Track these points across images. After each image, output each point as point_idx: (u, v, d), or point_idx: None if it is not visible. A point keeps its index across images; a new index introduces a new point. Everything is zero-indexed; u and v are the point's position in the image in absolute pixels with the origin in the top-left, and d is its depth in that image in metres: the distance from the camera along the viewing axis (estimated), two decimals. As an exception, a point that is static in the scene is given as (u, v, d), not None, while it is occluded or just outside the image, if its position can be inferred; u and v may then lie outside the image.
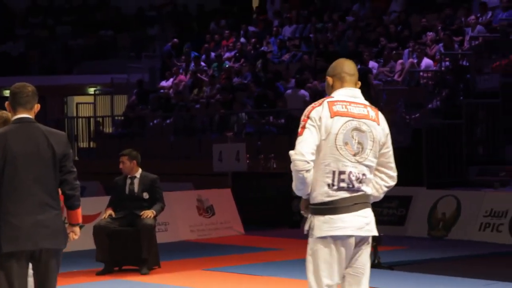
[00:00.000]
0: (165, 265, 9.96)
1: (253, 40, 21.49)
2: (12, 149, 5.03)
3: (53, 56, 24.78)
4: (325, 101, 4.68)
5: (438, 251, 10.96)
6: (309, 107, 4.69)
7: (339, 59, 4.86)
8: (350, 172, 4.59)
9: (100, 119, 21.54)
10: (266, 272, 9.55)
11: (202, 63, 21.73)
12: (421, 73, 16.60)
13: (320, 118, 4.60)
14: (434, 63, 16.75)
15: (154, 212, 9.80)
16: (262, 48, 21.05)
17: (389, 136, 4.78)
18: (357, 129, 4.63)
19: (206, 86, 20.02)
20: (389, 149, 4.77)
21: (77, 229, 5.30)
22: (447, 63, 16.40)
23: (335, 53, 19.32)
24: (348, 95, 4.72)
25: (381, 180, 4.77)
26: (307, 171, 4.54)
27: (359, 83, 4.79)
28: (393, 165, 4.80)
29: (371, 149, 4.66)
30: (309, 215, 4.68)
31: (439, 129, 14.28)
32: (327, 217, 4.57)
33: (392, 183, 4.82)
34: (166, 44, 22.76)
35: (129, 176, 9.96)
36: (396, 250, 10.94)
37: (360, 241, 4.66)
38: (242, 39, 21.77)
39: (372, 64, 17.78)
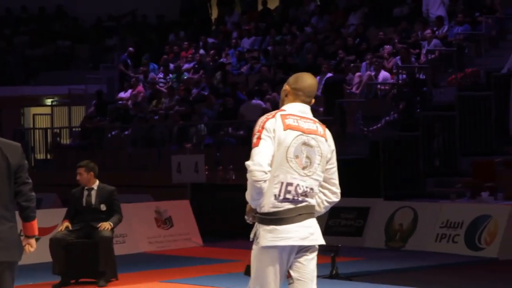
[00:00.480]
0: (122, 278, 9.89)
1: (212, 51, 21.52)
2: None
3: (11, 66, 24.52)
4: (278, 113, 4.75)
5: (395, 262, 11.05)
6: (263, 118, 4.75)
7: (304, 74, 4.93)
8: (297, 185, 4.68)
9: (58, 130, 21.37)
10: (224, 283, 9.54)
11: (161, 74, 21.70)
12: (379, 86, 16.76)
13: (274, 130, 4.67)
14: (391, 76, 16.92)
15: (112, 224, 9.74)
16: (221, 60, 21.09)
17: (334, 153, 4.87)
18: (306, 143, 4.73)
19: (165, 97, 19.98)
20: (333, 166, 4.86)
21: (33, 241, 5.23)
22: (404, 76, 16.57)
23: (294, 65, 19.44)
24: (300, 110, 4.82)
25: (323, 195, 4.85)
26: (265, 181, 4.61)
27: (313, 100, 4.90)
28: (336, 181, 4.88)
29: (319, 164, 4.76)
30: (255, 223, 4.74)
31: (396, 141, 14.41)
32: (272, 227, 4.64)
33: (335, 199, 4.89)
34: (122, 55, 22.67)
35: (86, 187, 9.91)
36: (354, 261, 11.01)
37: (303, 248, 4.74)
38: (201, 51, 21.78)
39: (330, 76, 17.90)
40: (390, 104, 16.21)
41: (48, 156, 20.75)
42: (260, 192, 4.62)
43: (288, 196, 4.67)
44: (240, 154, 16.80)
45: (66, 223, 9.83)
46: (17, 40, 25.16)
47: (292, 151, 4.69)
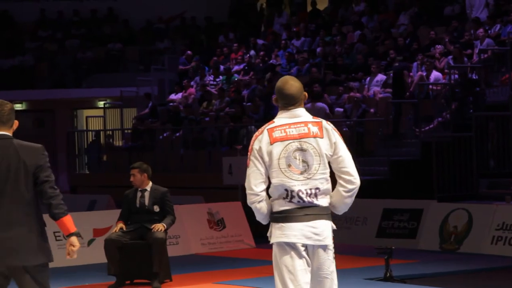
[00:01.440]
0: (176, 279, 9.95)
1: (262, 53, 21.54)
2: None
3: (62, 69, 24.85)
4: (265, 128, 4.97)
5: (450, 264, 10.93)
6: (253, 137, 5.00)
7: (286, 82, 5.00)
8: (299, 190, 4.89)
9: (110, 132, 21.59)
10: (269, 286, 9.52)
11: (211, 76, 21.79)
12: (430, 86, 16.60)
13: (260, 148, 4.92)
14: (443, 76, 16.75)
15: (165, 226, 9.79)
16: (271, 61, 21.09)
17: (338, 143, 4.98)
18: (299, 149, 4.92)
19: (215, 99, 20.06)
20: (339, 155, 4.98)
21: (72, 239, 5.06)
22: (456, 75, 16.39)
23: (344, 66, 19.37)
24: (289, 116, 4.97)
25: (340, 186, 5.00)
26: (259, 202, 4.92)
27: (306, 94, 5.03)
28: (347, 169, 4.99)
29: (319, 164, 4.92)
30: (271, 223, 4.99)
31: (449, 142, 14.25)
32: (280, 224, 4.89)
33: (351, 186, 4.99)
34: (180, 57, 22.79)
35: (139, 189, 9.97)
36: (408, 264, 10.91)
37: (312, 250, 4.90)
38: (252, 52, 21.82)
39: (380, 77, 17.79)
40: (442, 105, 16.05)
41: (102, 158, 20.97)
42: (259, 212, 4.94)
43: (294, 200, 4.91)
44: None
45: (120, 224, 9.90)
46: (69, 43, 25.49)
47: (283, 162, 4.91)
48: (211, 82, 21.68)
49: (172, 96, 21.37)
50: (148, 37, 25.49)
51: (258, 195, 4.91)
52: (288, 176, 4.89)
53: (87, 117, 23.77)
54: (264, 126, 4.99)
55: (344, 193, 4.98)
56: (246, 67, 21.19)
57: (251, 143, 4.96)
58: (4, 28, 25.79)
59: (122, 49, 25.18)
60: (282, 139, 4.91)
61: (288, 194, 4.89)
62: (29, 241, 4.94)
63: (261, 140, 4.92)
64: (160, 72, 23.32)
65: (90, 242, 11.84)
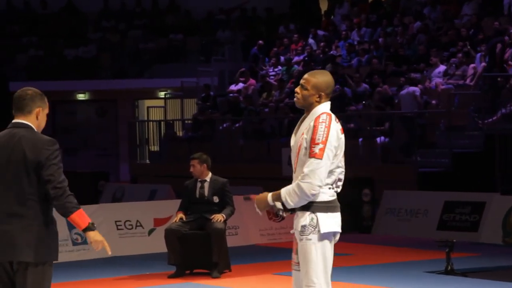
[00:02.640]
0: (235, 269, 9.99)
1: (322, 44, 21.45)
2: None
3: (124, 60, 25.12)
4: (332, 115, 4.94)
5: (512, 258, 10.75)
6: (326, 124, 4.86)
7: (327, 74, 5.06)
8: (340, 179, 5.07)
9: (171, 122, 21.76)
10: (336, 278, 9.44)
11: (271, 67, 21.79)
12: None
13: (336, 139, 4.90)
14: (507, 67, 16.45)
15: (224, 216, 9.84)
16: (331, 52, 20.99)
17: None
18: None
19: (275, 90, 20.05)
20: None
21: (89, 234, 4.80)
22: (521, 67, 16.09)
23: (405, 57, 19.17)
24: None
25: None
26: (316, 194, 4.91)
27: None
28: None
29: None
30: (308, 213, 4.93)
31: (512, 135, 14.02)
32: (330, 214, 4.97)
33: None
34: (253, 48, 22.77)
35: (199, 179, 10.03)
36: (469, 257, 10.77)
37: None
38: (311, 41, 21.73)
39: (442, 67, 17.56)
40: (506, 96, 15.77)
41: (162, 148, 21.14)
42: (306, 199, 4.91)
43: (336, 189, 5.03)
44: (350, 147, 16.70)
45: (180, 215, 9.98)
46: (131, 34, 25.75)
47: (343, 151, 5.01)
48: (271, 73, 21.68)
49: (232, 87, 21.44)
50: (209, 28, 25.60)
51: (322, 188, 4.89)
52: (342, 166, 5.01)
53: (148, 107, 24.02)
54: (328, 115, 4.87)
55: None
56: (306, 58, 21.13)
57: (326, 133, 4.83)
58: (68, 18, 26.18)
59: (183, 40, 25.34)
60: (342, 131, 4.97)
61: (334, 183, 5.00)
62: (27, 236, 4.71)
63: (336, 130, 4.88)
64: (221, 63, 23.40)
65: (150, 231, 11.97)
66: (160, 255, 10.62)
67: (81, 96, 25.32)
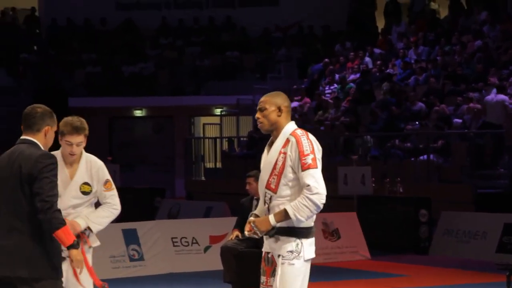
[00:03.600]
0: (291, 288, 9.91)
1: (379, 62, 21.34)
2: None
3: (181, 76, 25.32)
4: (308, 134, 4.95)
5: None
6: (307, 138, 4.90)
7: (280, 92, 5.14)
8: None
9: (226, 140, 21.84)
10: (393, 299, 9.39)
11: (326, 86, 21.75)
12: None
13: (318, 153, 4.92)
14: None
15: (281, 235, 9.80)
16: (388, 70, 20.87)
17: None
18: None
19: (331, 108, 20.00)
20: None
21: (72, 251, 4.76)
22: None
23: (463, 76, 18.96)
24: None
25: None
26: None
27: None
28: None
29: None
30: (294, 239, 4.90)
31: None
32: (311, 240, 4.99)
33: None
34: (315, 65, 22.72)
35: (255, 197, 10.02)
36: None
37: None
38: (367, 59, 21.64)
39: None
40: None
41: (217, 165, 21.23)
42: (315, 213, 4.92)
43: None
44: (407, 166, 16.57)
45: (236, 232, 9.97)
46: (189, 51, 25.96)
47: None
48: (326, 91, 21.65)
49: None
50: (265, 45, 25.67)
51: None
52: None
53: (204, 124, 24.14)
54: (303, 130, 4.95)
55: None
56: (361, 77, 21.04)
57: (311, 142, 4.86)
58: (127, 35, 26.52)
59: (239, 57, 25.45)
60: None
61: None
62: (24, 251, 4.69)
63: (316, 145, 4.91)
64: (276, 80, 23.44)
65: (206, 249, 12.00)
66: (215, 272, 10.63)
67: (138, 113, 25.59)
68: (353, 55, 22.43)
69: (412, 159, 16.48)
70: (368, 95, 19.98)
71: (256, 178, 9.98)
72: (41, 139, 4.86)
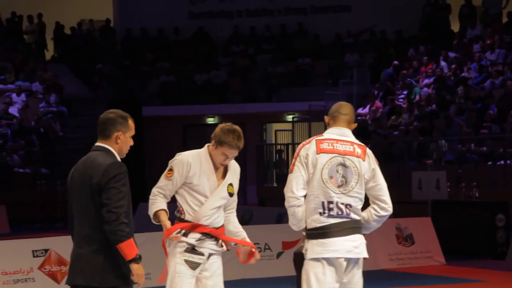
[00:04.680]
0: (364, 294, 9.81)
1: (453, 66, 21.02)
2: (71, 179, 4.91)
3: (253, 84, 25.40)
4: (314, 139, 5.29)
5: None
6: (300, 145, 5.29)
7: (342, 103, 5.48)
8: (337, 202, 5.17)
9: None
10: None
11: (399, 90, 21.51)
12: None
13: (307, 155, 5.19)
14: None
15: (353, 240, 9.70)
16: (463, 74, 20.54)
17: (376, 171, 5.28)
18: (342, 164, 5.21)
19: (404, 113, 19.78)
20: (377, 183, 5.27)
21: (133, 265, 4.69)
22: None
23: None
24: (338, 133, 5.30)
25: (373, 210, 5.29)
26: (298, 206, 5.18)
27: (355, 124, 5.41)
28: (384, 197, 5.28)
29: (356, 182, 5.22)
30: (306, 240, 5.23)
31: None
32: (319, 240, 5.14)
33: (384, 213, 5.30)
34: (387, 69, 22.53)
35: (328, 202, 9.95)
36: None
37: (350, 263, 5.18)
38: (442, 63, 21.34)
39: None
40: None
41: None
42: (295, 217, 5.20)
43: (332, 212, 5.16)
44: (483, 171, 16.25)
45: (309, 237, 9.92)
46: (260, 58, 26.03)
47: (326, 173, 5.17)
48: (400, 96, 21.42)
49: (360, 110, 21.28)
50: (337, 51, 25.56)
51: (298, 199, 5.15)
52: (328, 186, 5.15)
53: (276, 130, 24.15)
54: (312, 137, 5.29)
55: (374, 216, 5.27)
56: (436, 82, 20.74)
57: (298, 150, 5.23)
58: (200, 44, 26.77)
59: (311, 64, 25.40)
60: (328, 152, 5.19)
61: (325, 207, 5.14)
62: (94, 261, 4.72)
63: (308, 149, 5.19)
64: (349, 86, 23.30)
65: (278, 255, 11.95)
66: (288, 278, 10.56)
67: (210, 120, 25.76)
68: (427, 59, 22.14)
69: (489, 163, 16.14)
70: (443, 100, 19.69)
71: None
72: (112, 145, 4.84)
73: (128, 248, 4.64)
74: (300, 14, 26.72)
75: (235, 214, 5.92)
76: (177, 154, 5.75)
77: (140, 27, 27.17)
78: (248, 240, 5.85)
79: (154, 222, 5.83)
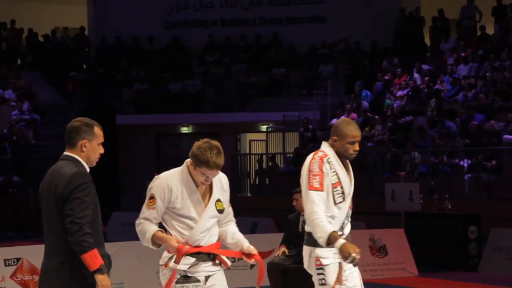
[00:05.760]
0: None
1: (427, 78, 21.17)
2: (40, 189, 4.87)
3: (228, 93, 25.40)
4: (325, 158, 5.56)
5: None
6: (318, 159, 5.55)
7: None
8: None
9: (272, 156, 21.81)
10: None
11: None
12: None
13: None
14: None
15: (327, 251, 9.73)
16: (436, 87, 20.69)
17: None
18: None
19: (378, 124, 19.88)
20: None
21: (98, 276, 4.63)
22: None
23: (513, 92, 18.71)
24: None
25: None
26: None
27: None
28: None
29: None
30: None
31: None
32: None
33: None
34: (378, 83, 22.55)
35: (302, 213, 9.97)
36: None
37: None
38: (416, 75, 21.48)
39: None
40: None
41: (264, 181, 21.22)
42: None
43: None
44: (455, 183, 16.37)
45: (283, 248, 9.93)
46: (234, 68, 26.05)
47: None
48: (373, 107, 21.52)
49: (334, 121, 21.34)
50: (311, 62, 25.65)
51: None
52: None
53: (250, 140, 24.16)
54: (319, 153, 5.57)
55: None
56: (410, 93, 20.88)
57: (319, 164, 5.49)
58: (174, 53, 26.73)
59: (285, 74, 25.46)
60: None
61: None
62: (61, 273, 4.69)
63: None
64: (323, 97, 23.38)
65: (252, 265, 11.93)
66: (262, 288, 10.56)
67: (184, 129, 25.73)
68: (400, 71, 22.28)
69: (466, 176, 16.24)
70: (416, 111, 19.82)
71: (303, 194, 9.98)
72: (78, 154, 4.79)
73: (92, 259, 4.60)
74: (275, 24, 26.78)
75: (233, 224, 5.60)
76: (155, 177, 5.30)
77: (114, 35, 27.09)
78: (249, 247, 5.57)
79: (154, 248, 5.35)
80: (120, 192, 21.03)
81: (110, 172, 18.84)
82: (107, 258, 4.78)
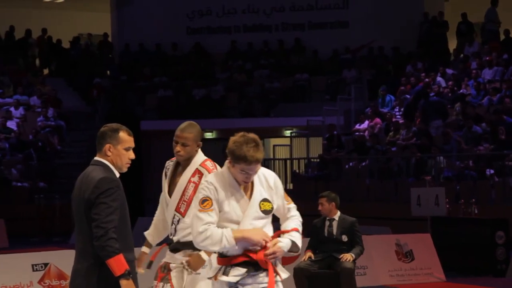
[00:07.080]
0: (365, 310, 9.81)
1: (451, 82, 21.06)
2: (73, 194, 4.91)
3: (251, 99, 25.42)
4: None
5: None
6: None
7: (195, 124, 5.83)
8: None
9: (296, 161, 21.79)
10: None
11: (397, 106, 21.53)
12: None
13: None
14: None
15: (353, 256, 9.70)
16: (461, 91, 20.59)
17: None
18: None
19: (402, 129, 19.81)
20: None
21: (122, 281, 4.63)
22: None
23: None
24: None
25: None
26: None
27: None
28: None
29: None
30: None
31: None
32: None
33: None
34: (417, 85, 22.32)
35: (327, 218, 9.95)
36: None
37: None
38: (439, 79, 21.39)
39: None
40: None
41: (288, 186, 21.19)
42: None
43: None
44: (481, 187, 16.27)
45: (309, 253, 9.91)
46: (257, 73, 26.06)
47: None
48: (397, 112, 21.45)
49: (358, 126, 21.30)
50: (334, 67, 25.61)
51: None
52: None
53: (274, 145, 24.15)
54: (212, 162, 5.62)
55: None
56: (434, 97, 20.77)
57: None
58: (197, 59, 26.80)
59: (308, 79, 25.44)
60: None
61: None
62: (90, 277, 4.73)
63: None
64: (346, 102, 23.35)
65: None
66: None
67: (208, 135, 25.77)
68: (424, 75, 22.19)
69: (491, 181, 16.15)
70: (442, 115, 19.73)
71: (329, 199, 9.95)
72: (105, 158, 4.84)
73: (117, 263, 4.61)
74: (298, 30, 26.78)
75: (290, 221, 5.05)
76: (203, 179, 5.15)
77: (138, 42, 27.20)
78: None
79: (237, 249, 4.77)
80: (144, 198, 21.09)
81: (134, 178, 18.92)
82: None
